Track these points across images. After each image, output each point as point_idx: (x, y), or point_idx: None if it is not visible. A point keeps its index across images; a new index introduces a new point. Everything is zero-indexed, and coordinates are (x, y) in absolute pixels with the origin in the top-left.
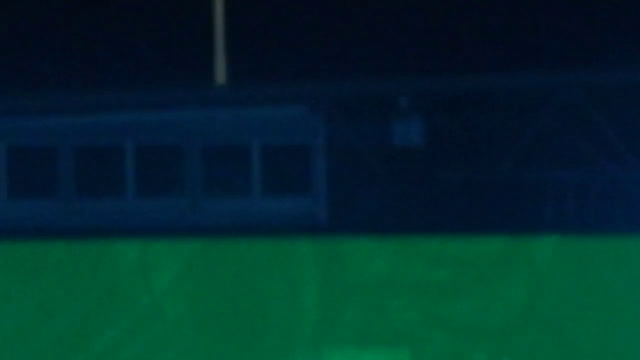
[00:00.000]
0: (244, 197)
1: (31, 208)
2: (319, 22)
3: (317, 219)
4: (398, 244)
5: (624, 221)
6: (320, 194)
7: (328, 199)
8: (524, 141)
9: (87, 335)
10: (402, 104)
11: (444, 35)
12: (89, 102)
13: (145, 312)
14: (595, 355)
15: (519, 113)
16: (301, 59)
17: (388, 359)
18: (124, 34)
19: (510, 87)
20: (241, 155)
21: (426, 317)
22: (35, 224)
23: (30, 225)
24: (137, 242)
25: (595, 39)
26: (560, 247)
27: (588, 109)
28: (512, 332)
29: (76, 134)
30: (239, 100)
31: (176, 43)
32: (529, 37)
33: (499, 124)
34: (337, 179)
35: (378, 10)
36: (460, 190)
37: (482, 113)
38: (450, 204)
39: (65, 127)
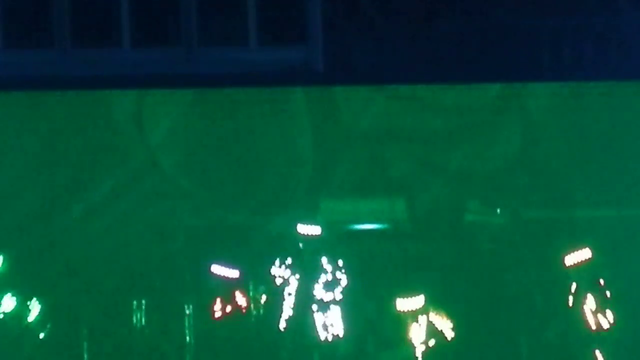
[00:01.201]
0: (240, 46)
1: (27, 57)
2: None
3: (312, 68)
4: (394, 93)
5: (619, 67)
6: (316, 43)
7: (324, 48)
8: None
9: (84, 186)
10: None
11: None
12: None
13: (142, 163)
14: (588, 200)
15: None
16: None
17: (384, 207)
18: None
19: None
20: (237, 4)
21: (421, 165)
22: (31, 74)
23: (26, 74)
24: (132, 92)
25: None
26: (555, 94)
27: None
28: (506, 178)
29: None
30: None
31: None
32: None
33: None
34: (333, 28)
35: None
36: (456, 39)
37: None
38: (446, 53)
39: None
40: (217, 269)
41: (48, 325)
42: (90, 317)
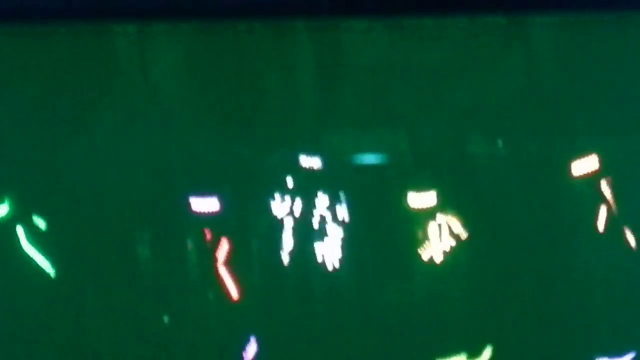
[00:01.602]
0: None
1: None
2: None
3: (314, 2)
4: (395, 26)
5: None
6: None
7: None
8: None
9: (85, 121)
10: None
11: None
12: None
13: (143, 98)
14: (592, 130)
15: None
16: None
17: (385, 141)
18: None
19: None
20: None
21: (423, 99)
22: (31, 5)
23: (25, 7)
24: (133, 24)
25: None
26: (560, 27)
27: None
28: (508, 112)
29: None
30: None
31: None
32: None
33: None
34: None
35: None
36: None
37: None
38: None
39: None
40: (214, 202)
41: (52, 261)
42: (94, 251)
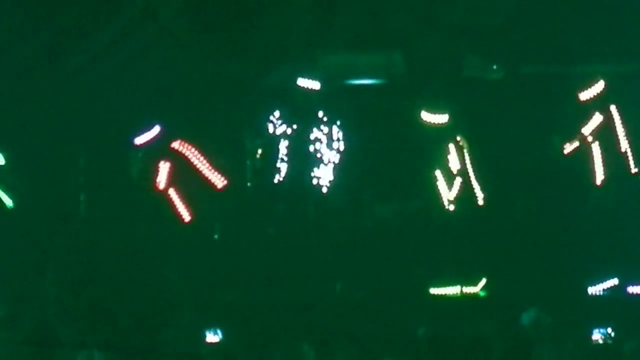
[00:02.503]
0: None
1: None
2: None
3: None
4: None
5: None
6: None
7: None
8: None
9: (84, 35)
10: None
11: None
12: None
13: (142, 12)
14: (586, 54)
15: None
16: None
17: (381, 62)
18: None
19: None
20: None
21: (419, 19)
22: None
23: None
24: None
25: None
26: None
27: None
28: (503, 33)
29: None
30: None
31: None
32: None
33: None
34: None
35: None
36: None
37: None
38: None
39: None
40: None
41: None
42: (86, 165)
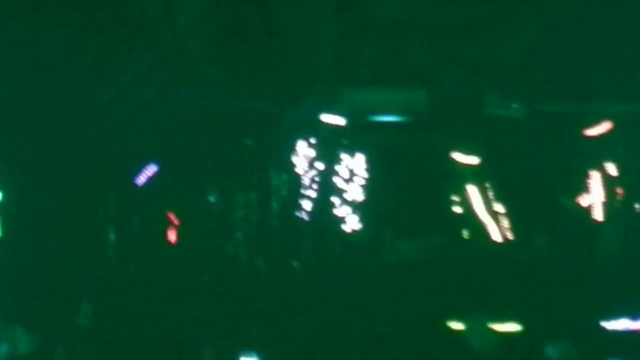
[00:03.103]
0: None
1: None
2: None
3: None
4: None
5: None
6: None
7: None
8: None
9: (112, 70)
10: None
11: None
12: None
13: (167, 50)
14: (604, 94)
15: None
16: None
17: (405, 98)
18: None
19: None
20: None
21: (441, 56)
22: None
23: None
24: None
25: None
26: None
27: None
28: (524, 71)
29: None
30: None
31: None
32: None
33: None
34: None
35: None
36: None
37: None
38: None
39: None
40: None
41: None
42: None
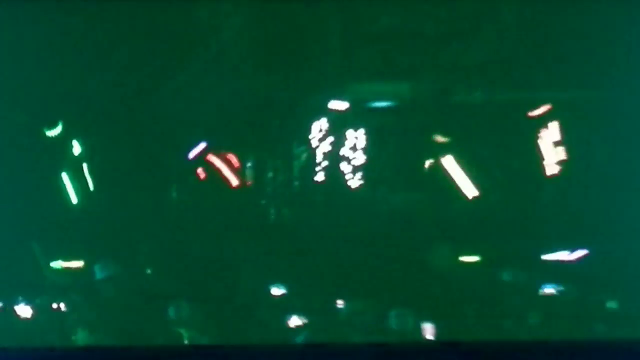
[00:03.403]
0: None
1: None
2: None
3: None
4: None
5: None
6: None
7: None
8: None
9: (172, 71)
10: None
11: None
12: None
13: (213, 56)
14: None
15: None
16: None
17: (393, 89)
18: None
19: None
20: None
21: (420, 58)
22: None
23: None
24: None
25: None
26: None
27: None
28: (483, 68)
29: None
30: None
31: None
32: None
33: None
34: None
35: None
36: None
37: None
38: None
39: None
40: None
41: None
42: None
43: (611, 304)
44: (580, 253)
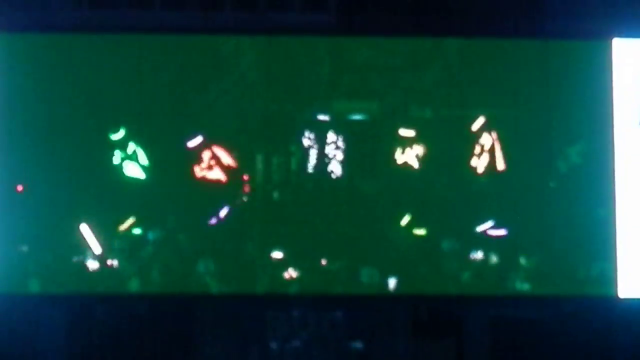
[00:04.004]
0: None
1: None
2: None
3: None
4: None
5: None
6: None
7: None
8: None
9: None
10: None
11: None
12: None
13: (227, 87)
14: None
15: None
16: None
17: (366, 106)
18: None
19: None
20: None
21: (386, 83)
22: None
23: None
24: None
25: None
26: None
27: None
28: (433, 92)
29: None
30: None
31: None
32: None
33: None
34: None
35: None
36: None
37: None
38: None
39: None
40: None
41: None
42: None
43: (529, 264)
44: (503, 231)
